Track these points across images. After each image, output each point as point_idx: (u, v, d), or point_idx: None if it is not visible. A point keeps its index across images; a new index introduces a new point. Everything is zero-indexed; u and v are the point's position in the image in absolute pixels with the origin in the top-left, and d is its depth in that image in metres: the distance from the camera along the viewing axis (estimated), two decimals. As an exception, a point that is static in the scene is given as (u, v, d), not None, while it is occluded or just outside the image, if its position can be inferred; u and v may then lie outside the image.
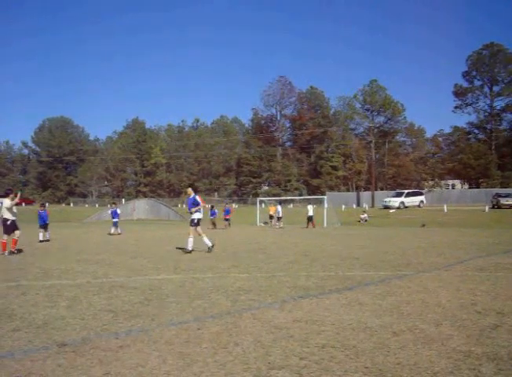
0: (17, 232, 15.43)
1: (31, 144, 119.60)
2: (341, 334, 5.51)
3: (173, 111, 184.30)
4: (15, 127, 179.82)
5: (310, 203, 36.90)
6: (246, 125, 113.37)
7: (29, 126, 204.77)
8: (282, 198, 61.48)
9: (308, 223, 35.18)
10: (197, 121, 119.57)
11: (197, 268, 11.53)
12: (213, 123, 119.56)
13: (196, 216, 15.29)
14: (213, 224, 33.82)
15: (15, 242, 15.33)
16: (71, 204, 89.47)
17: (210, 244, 15.33)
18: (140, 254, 14.95)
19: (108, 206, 28.27)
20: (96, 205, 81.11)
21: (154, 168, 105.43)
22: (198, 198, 15.49)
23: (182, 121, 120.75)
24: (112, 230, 25.65)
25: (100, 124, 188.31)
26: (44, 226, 20.60)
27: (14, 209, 15.57)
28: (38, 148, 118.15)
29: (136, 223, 45.69)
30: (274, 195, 73.31)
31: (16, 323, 6.06)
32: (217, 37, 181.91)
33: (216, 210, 35.73)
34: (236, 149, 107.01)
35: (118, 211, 26.93)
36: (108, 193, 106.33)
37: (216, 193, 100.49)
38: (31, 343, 5.22)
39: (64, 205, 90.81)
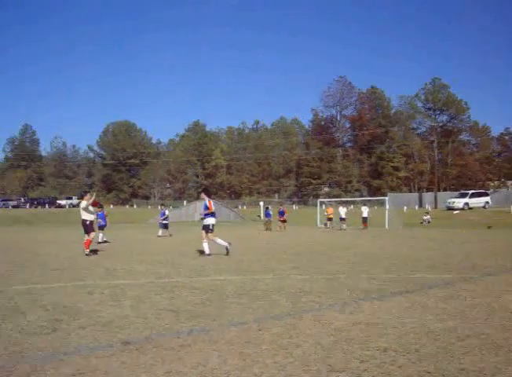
0: (92, 234, 15.66)
1: (96, 147, 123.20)
2: (403, 338, 5.41)
3: (234, 113, 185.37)
4: (81, 132, 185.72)
5: (365, 204, 36.76)
6: (306, 126, 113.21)
7: (94, 131, 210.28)
8: (342, 199, 60.93)
9: (363, 224, 35.07)
10: (257, 123, 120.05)
11: (258, 269, 11.58)
12: (273, 125, 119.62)
13: (210, 221, 14.98)
14: (268, 225, 33.76)
15: (88, 244, 15.45)
16: (135, 206, 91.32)
17: (207, 251, 14.84)
18: (202, 254, 15.12)
19: (161, 207, 28.00)
20: (159, 206, 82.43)
21: (214, 170, 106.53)
22: (208, 204, 15.10)
23: (242, 123, 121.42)
24: (160, 232, 25.67)
25: (163, 127, 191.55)
26: (101, 227, 21.03)
27: (91, 208, 15.93)
28: (102, 152, 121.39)
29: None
30: (334, 197, 72.77)
31: (83, 321, 6.24)
32: (277, 39, 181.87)
33: (270, 212, 35.66)
34: (296, 150, 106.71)
35: (167, 212, 26.73)
36: (170, 195, 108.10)
37: (276, 194, 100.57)
38: (96, 341, 5.35)
39: (127, 207, 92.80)
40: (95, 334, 5.62)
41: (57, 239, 24.05)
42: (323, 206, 42.37)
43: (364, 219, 35.34)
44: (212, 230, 15.00)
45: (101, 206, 22.89)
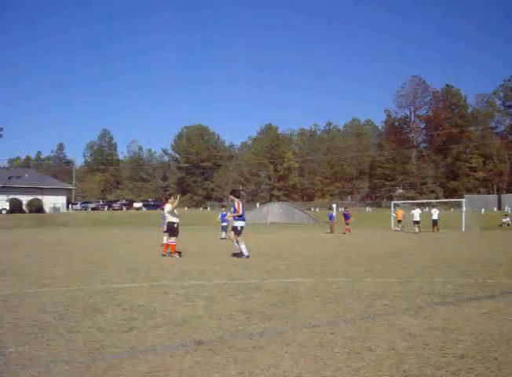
0: (173, 238, 15.74)
1: (171, 151, 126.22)
2: (480, 345, 5.22)
3: (306, 115, 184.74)
4: (156, 136, 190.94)
5: (435, 207, 36.00)
6: (379, 127, 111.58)
7: (169, 135, 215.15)
8: (417, 201, 59.56)
9: (433, 227, 34.30)
10: (329, 124, 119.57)
11: (330, 271, 11.50)
12: (345, 126, 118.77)
13: (239, 224, 14.90)
14: (331, 228, 33.10)
15: (167, 246, 15.76)
16: (208, 208, 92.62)
17: (246, 253, 14.70)
18: (274, 256, 15.16)
19: (222, 209, 27.37)
20: (232, 209, 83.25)
21: (287, 172, 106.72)
22: (236, 205, 15.01)
23: (314, 125, 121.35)
24: (223, 235, 25.12)
25: (235, 130, 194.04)
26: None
27: (176, 212, 16.21)
28: (177, 155, 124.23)
29: (270, 226, 46.46)
30: (409, 199, 71.27)
31: (158, 321, 6.39)
32: (348, 39, 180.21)
33: (334, 214, 35.02)
34: (369, 152, 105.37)
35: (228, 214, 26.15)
36: (243, 197, 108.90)
37: (349, 196, 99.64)
38: (170, 340, 5.47)
39: (201, 209, 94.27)
40: (170, 333, 5.74)
41: (134, 240, 24.70)
42: (397, 209, 41.53)
43: (434, 222, 34.59)
44: (240, 232, 14.90)
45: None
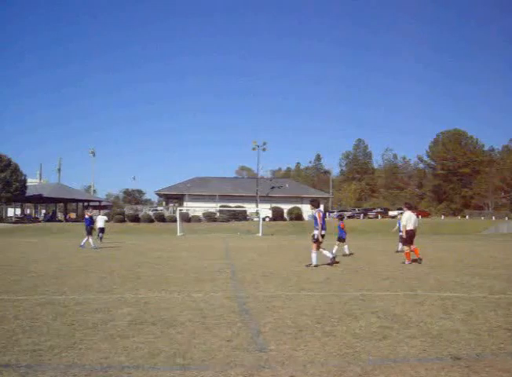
0: (406, 247, 16.19)
1: (426, 158, 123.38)
2: None
3: None
4: (410, 143, 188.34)
5: None
6: None
7: (424, 141, 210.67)
8: None
9: None
10: None
11: None
12: None
13: (314, 232, 14.92)
14: None
15: (417, 251, 16.09)
16: (467, 216, 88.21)
17: (314, 262, 14.72)
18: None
19: (399, 216, 23.24)
20: (493, 217, 78.24)
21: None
22: (317, 215, 15.15)
23: None
24: (400, 247, 21.17)
25: (495, 133, 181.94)
26: (341, 240, 19.63)
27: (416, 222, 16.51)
28: (432, 162, 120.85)
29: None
30: None
31: (413, 331, 6.29)
32: None
33: None
34: None
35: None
36: (505, 205, 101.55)
37: None
38: (425, 352, 5.34)
39: (459, 217, 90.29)
40: (424, 345, 5.63)
41: (386, 249, 24.49)
42: None
43: None
44: (316, 240, 14.83)
45: (342, 218, 21.18)
